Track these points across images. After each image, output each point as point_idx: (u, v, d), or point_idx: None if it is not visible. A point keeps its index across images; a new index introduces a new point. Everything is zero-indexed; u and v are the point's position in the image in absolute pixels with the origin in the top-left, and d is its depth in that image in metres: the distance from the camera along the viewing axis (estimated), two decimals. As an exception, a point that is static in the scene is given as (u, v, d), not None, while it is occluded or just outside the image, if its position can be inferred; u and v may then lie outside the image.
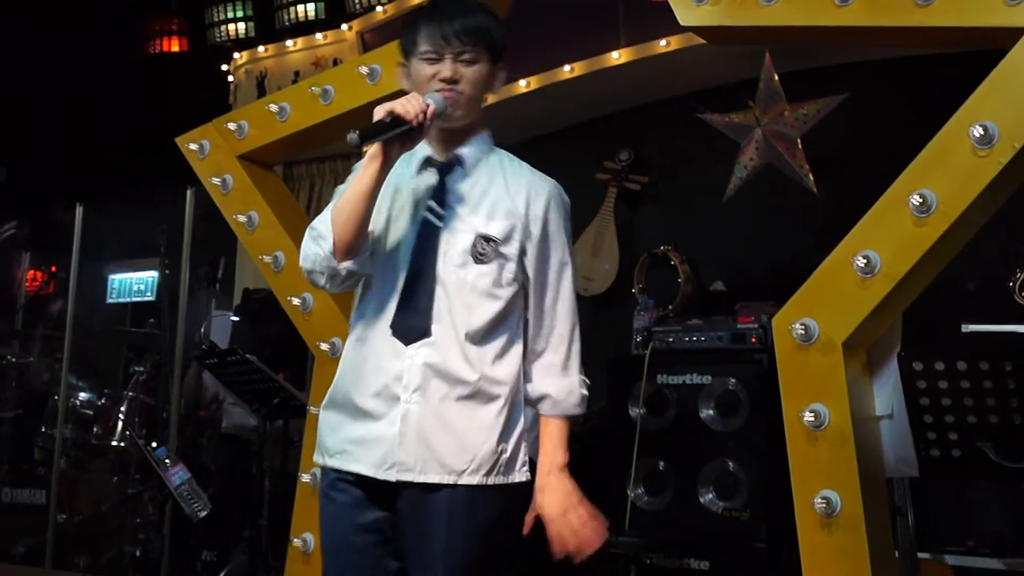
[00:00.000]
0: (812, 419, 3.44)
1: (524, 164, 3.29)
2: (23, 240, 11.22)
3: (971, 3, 3.34)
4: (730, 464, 5.59)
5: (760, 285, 6.57)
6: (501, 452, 3.05)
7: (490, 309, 3.09)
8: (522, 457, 3.12)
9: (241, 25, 10.25)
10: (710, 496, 5.66)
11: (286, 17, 9.81)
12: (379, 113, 3.02)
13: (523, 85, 7.43)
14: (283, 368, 7.19)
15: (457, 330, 3.05)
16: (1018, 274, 5.05)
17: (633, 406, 5.92)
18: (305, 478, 4.55)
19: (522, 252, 3.15)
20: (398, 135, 3.03)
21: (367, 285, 3.21)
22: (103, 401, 8.28)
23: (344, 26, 9.09)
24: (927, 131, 3.44)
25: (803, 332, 3.48)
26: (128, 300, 10.60)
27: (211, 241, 8.15)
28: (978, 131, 3.23)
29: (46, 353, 9.84)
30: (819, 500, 3.42)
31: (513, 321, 3.15)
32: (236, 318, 8.56)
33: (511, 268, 3.13)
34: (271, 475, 6.95)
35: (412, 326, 3.08)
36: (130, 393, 8.12)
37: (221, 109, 9.03)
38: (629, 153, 7.52)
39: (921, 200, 3.29)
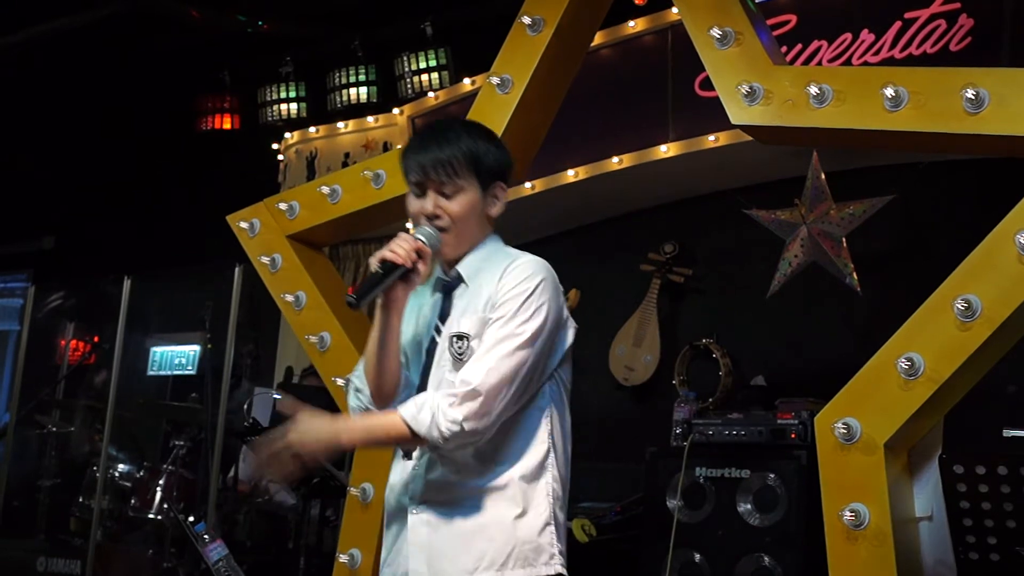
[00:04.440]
0: (852, 518, 3.45)
1: (516, 253, 3.19)
2: (68, 310, 11.30)
3: (1021, 113, 3.38)
4: (766, 559, 5.56)
5: (800, 382, 6.55)
6: (518, 543, 2.99)
7: None
8: (549, 549, 3.04)
9: (293, 106, 10.36)
10: (746, 591, 5.64)
11: (338, 99, 9.90)
12: (372, 263, 3.03)
13: (571, 175, 7.47)
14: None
15: None
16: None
17: (671, 498, 5.91)
18: (342, 559, 4.59)
19: None
20: (398, 279, 3.03)
21: None
22: (141, 474, 8.28)
23: (395, 110, 9.17)
24: (972, 234, 3.47)
25: (845, 431, 3.50)
26: (169, 373, 10.63)
27: (255, 319, 8.21)
28: (1025, 239, 3.27)
29: (87, 423, 9.87)
30: (857, 599, 3.43)
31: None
32: (278, 396, 8.58)
33: None
34: (306, 553, 6.96)
35: None
36: (169, 467, 8.12)
37: (270, 187, 9.14)
38: (674, 245, 7.53)
39: (966, 305, 3.32)
